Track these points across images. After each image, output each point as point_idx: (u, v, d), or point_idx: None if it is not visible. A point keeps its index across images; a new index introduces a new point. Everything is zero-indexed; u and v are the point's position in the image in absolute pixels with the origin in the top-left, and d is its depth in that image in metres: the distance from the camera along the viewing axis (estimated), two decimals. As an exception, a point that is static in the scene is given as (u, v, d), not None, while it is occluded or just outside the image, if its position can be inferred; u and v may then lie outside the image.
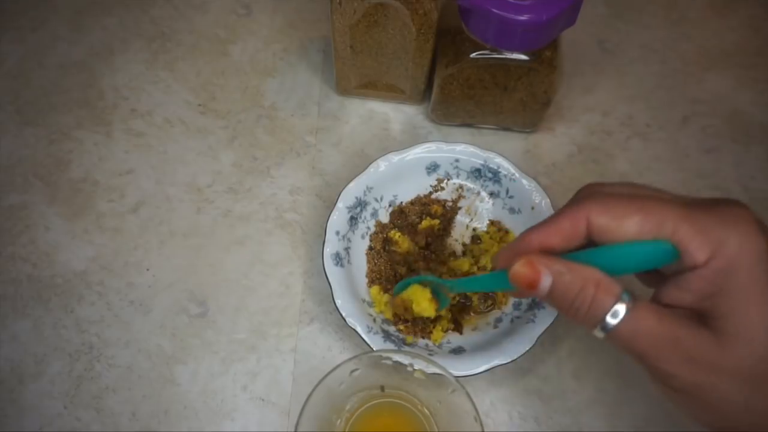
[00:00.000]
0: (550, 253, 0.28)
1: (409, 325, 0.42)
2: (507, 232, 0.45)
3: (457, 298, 0.43)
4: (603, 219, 0.26)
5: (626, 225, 0.26)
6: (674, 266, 0.26)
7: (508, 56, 0.42)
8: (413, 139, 0.50)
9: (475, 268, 0.43)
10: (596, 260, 0.27)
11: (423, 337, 0.41)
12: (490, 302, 0.42)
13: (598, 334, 0.27)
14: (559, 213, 0.28)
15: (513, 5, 0.38)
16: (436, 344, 0.41)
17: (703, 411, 0.26)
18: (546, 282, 0.27)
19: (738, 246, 0.24)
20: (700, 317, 0.26)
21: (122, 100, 0.52)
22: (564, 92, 0.52)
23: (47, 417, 0.40)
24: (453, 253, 0.45)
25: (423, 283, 0.38)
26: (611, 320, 0.26)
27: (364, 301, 0.42)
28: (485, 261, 0.44)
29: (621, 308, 0.26)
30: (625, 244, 0.26)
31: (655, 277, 0.30)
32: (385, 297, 0.42)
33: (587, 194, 0.29)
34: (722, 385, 0.25)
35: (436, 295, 0.38)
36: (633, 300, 0.26)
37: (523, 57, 0.42)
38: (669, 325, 0.25)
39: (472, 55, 0.43)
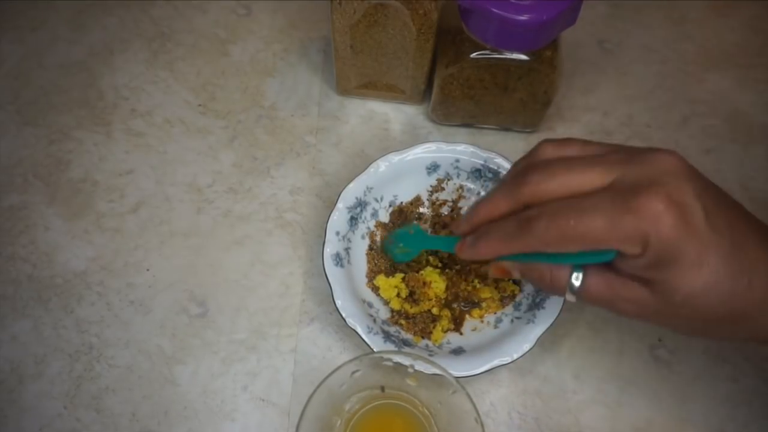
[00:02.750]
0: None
1: (410, 322, 0.42)
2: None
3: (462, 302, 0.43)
4: (550, 250, 0.31)
5: (569, 250, 0.31)
6: None
7: (508, 56, 0.42)
8: (413, 139, 0.50)
9: (497, 294, 0.43)
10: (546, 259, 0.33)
11: (423, 337, 0.41)
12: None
13: (571, 298, 0.33)
14: (502, 192, 0.33)
15: (513, 5, 0.38)
16: (437, 345, 0.41)
17: (672, 329, 0.33)
18: (516, 272, 0.35)
19: (661, 229, 0.28)
20: (641, 280, 0.31)
21: (122, 100, 0.52)
22: (564, 92, 0.52)
23: (47, 417, 0.40)
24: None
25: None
26: (576, 283, 0.32)
27: (364, 301, 0.42)
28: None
29: (579, 276, 0.32)
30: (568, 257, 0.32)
31: None
32: (393, 280, 0.42)
33: (532, 216, 0.32)
34: (673, 324, 0.32)
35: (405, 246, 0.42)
36: (585, 271, 0.32)
37: (523, 57, 0.42)
38: (614, 288, 0.32)
39: (472, 55, 0.43)
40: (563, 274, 0.33)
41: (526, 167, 0.33)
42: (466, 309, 0.43)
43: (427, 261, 0.43)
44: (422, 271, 0.42)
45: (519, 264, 0.35)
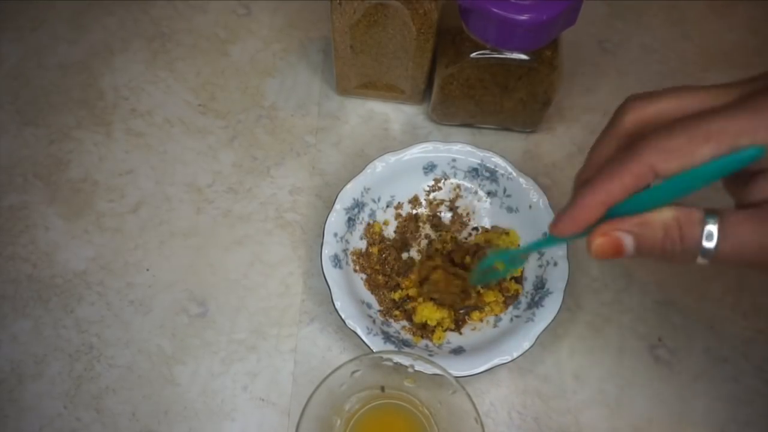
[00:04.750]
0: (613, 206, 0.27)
1: (413, 327, 0.42)
2: (507, 233, 0.45)
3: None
4: (672, 165, 0.25)
5: (699, 158, 0.24)
6: (757, 164, 0.25)
7: (508, 56, 0.42)
8: (413, 139, 0.50)
9: (501, 297, 0.42)
10: (668, 192, 0.26)
11: (423, 337, 0.41)
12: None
13: (702, 262, 0.26)
14: (616, 163, 0.26)
15: (513, 5, 0.38)
16: (437, 345, 0.41)
17: None
18: (629, 242, 0.26)
19: None
20: None
21: (122, 100, 0.52)
22: (564, 92, 0.52)
23: (47, 417, 0.40)
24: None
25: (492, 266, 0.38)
26: (708, 245, 0.25)
27: (363, 302, 0.42)
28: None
29: (713, 229, 0.25)
30: (697, 168, 0.24)
31: (735, 181, 0.28)
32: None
33: (640, 139, 0.26)
34: None
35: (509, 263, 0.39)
36: (720, 216, 0.25)
37: (523, 57, 0.42)
38: (765, 222, 0.24)
39: (472, 55, 0.43)
40: (695, 225, 0.25)
41: (621, 105, 0.27)
42: (467, 311, 0.43)
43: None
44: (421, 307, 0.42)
45: (632, 222, 0.26)
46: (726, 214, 0.25)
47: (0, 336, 0.42)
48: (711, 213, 0.25)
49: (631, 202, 0.26)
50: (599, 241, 0.27)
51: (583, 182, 0.28)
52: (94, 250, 0.45)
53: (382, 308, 0.42)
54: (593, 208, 0.26)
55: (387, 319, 0.42)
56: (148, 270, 0.45)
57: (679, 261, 0.26)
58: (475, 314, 0.42)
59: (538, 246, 0.38)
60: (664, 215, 0.26)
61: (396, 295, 0.42)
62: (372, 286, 0.43)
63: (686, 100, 0.26)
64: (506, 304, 0.43)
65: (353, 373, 0.35)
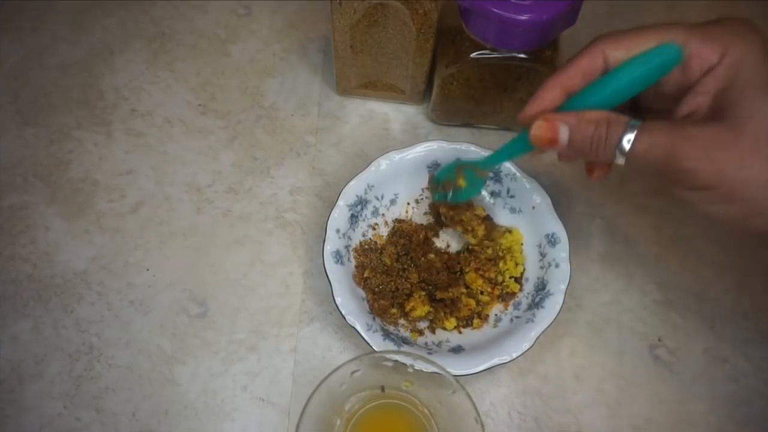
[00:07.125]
0: (572, 92, 0.31)
1: (410, 323, 0.42)
2: (510, 231, 0.45)
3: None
4: (618, 52, 0.29)
5: (642, 48, 0.28)
6: (682, 79, 0.29)
7: (508, 56, 0.42)
8: (413, 139, 0.50)
9: (496, 290, 0.43)
10: (606, 87, 0.29)
11: (421, 334, 0.41)
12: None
13: (620, 160, 0.29)
14: (576, 55, 0.30)
15: (513, 5, 0.38)
16: (437, 343, 0.41)
17: (731, 201, 0.27)
18: (564, 134, 0.30)
19: (743, 44, 0.28)
20: (713, 114, 0.28)
21: (122, 100, 0.52)
22: (564, 92, 0.52)
23: (47, 417, 0.40)
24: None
25: (459, 168, 0.40)
26: (626, 144, 0.28)
27: (363, 299, 0.42)
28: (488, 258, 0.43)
29: (633, 131, 0.28)
30: (629, 60, 0.29)
31: (662, 101, 0.31)
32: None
33: (600, 36, 0.30)
34: (743, 165, 0.26)
35: (469, 181, 0.40)
36: (642, 123, 0.28)
37: (523, 57, 0.42)
38: (680, 128, 0.27)
39: (472, 55, 0.43)
40: (620, 124, 0.29)
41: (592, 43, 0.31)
42: (469, 320, 0.43)
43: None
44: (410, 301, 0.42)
45: (571, 114, 0.30)
46: (646, 122, 0.28)
47: (0, 336, 0.42)
48: (636, 119, 0.29)
49: (575, 100, 0.30)
50: (539, 123, 0.31)
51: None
52: (94, 250, 0.45)
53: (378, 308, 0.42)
54: (554, 90, 0.31)
55: (385, 324, 0.42)
56: (148, 270, 0.45)
57: (601, 158, 0.30)
58: (477, 321, 0.42)
59: (505, 151, 0.39)
60: (598, 113, 0.29)
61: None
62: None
63: (646, 30, 0.30)
64: (500, 300, 0.43)
65: (353, 373, 0.35)
